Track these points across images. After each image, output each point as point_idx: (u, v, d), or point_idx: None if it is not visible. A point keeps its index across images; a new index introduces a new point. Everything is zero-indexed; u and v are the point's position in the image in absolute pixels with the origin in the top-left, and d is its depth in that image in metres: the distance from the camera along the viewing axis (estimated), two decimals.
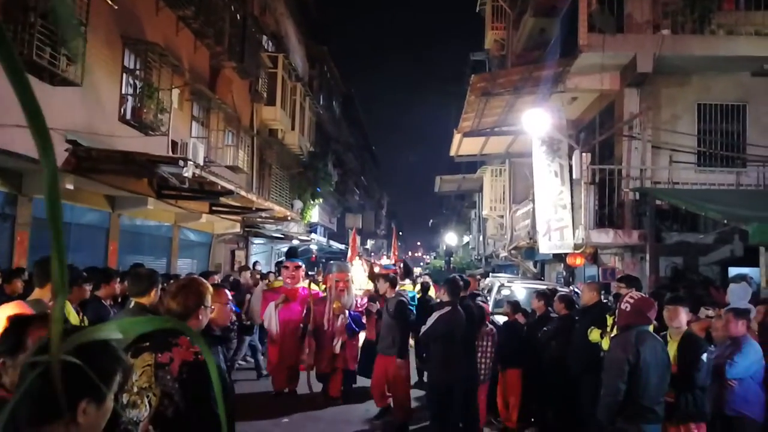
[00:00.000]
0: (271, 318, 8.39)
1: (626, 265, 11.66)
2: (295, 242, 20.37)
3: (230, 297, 3.81)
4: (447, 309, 6.20)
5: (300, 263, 9.11)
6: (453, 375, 6.18)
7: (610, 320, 6.02)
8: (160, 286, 4.34)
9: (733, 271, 10.63)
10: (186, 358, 2.90)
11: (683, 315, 4.76)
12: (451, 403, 6.20)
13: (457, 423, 6.35)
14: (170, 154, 10.73)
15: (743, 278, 10.10)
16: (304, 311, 8.51)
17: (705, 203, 8.89)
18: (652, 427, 4.18)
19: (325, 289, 9.20)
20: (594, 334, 5.96)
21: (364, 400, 8.50)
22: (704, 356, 4.56)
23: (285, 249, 22.42)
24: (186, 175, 9.02)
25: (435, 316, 6.27)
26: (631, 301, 4.33)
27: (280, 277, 11.98)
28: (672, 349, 4.69)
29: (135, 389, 2.87)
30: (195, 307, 3.04)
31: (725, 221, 8.15)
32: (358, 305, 8.96)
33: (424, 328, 6.48)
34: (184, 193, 11.17)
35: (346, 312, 8.40)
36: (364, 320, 8.91)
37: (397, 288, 8.29)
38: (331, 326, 8.34)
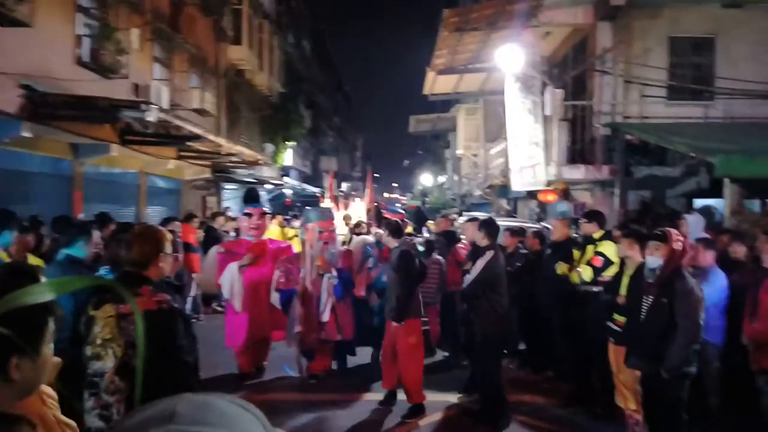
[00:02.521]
0: (234, 283, 6.31)
1: (596, 200, 11.82)
2: (269, 186, 20.09)
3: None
4: (490, 253, 5.56)
5: (265, 208, 7.15)
6: (507, 325, 5.73)
7: (577, 254, 6.13)
8: (92, 236, 4.41)
9: (698, 203, 10.84)
10: (149, 307, 2.86)
11: (636, 248, 4.95)
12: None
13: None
14: (132, 98, 10.39)
15: (708, 210, 10.32)
16: (276, 270, 6.58)
17: (673, 137, 8.95)
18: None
19: (300, 240, 7.18)
20: (561, 268, 6.06)
21: (365, 380, 6.64)
22: None
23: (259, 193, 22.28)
24: (150, 119, 8.77)
25: (480, 264, 5.58)
26: (682, 239, 4.36)
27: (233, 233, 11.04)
28: (626, 279, 4.96)
29: (98, 341, 2.83)
30: (154, 255, 3.00)
31: (693, 154, 8.23)
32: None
33: (469, 278, 5.62)
34: (149, 139, 10.90)
35: (333, 270, 6.48)
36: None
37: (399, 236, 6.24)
38: (315, 288, 6.40)
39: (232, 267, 6.35)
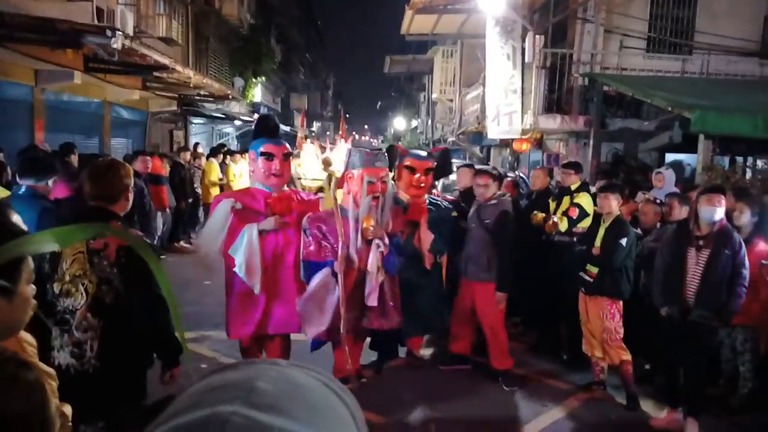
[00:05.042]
0: (253, 255, 4.24)
1: (570, 151, 11.86)
2: (238, 123, 19.64)
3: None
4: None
5: (287, 146, 4.66)
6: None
7: (552, 205, 6.15)
8: (56, 168, 4.25)
9: (669, 157, 10.97)
10: (122, 242, 2.78)
11: (614, 201, 5.03)
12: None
13: None
14: (96, 22, 9.85)
15: (679, 165, 10.44)
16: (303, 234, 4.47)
17: (652, 90, 8.93)
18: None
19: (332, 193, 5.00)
20: (537, 218, 6.08)
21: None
22: (624, 240, 4.84)
23: (227, 129, 21.67)
24: (115, 46, 8.38)
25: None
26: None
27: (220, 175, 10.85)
28: (601, 232, 5.03)
29: (67, 277, 2.76)
30: (123, 189, 2.95)
31: (670, 108, 8.24)
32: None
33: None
34: (113, 67, 10.45)
35: (384, 237, 4.51)
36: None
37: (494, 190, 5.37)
38: (362, 261, 4.50)
39: (251, 231, 4.22)
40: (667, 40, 11.53)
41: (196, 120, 17.89)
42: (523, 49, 11.31)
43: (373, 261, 4.42)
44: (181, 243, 10.78)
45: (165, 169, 10.19)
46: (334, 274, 4.29)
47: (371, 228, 4.37)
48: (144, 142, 14.05)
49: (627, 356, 4.82)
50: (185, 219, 11.21)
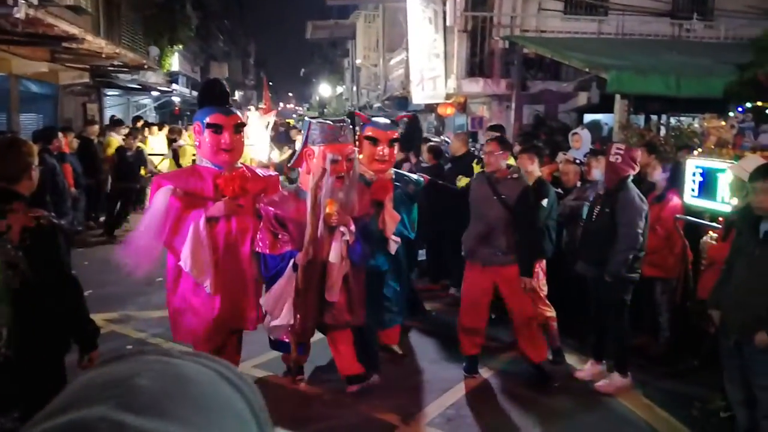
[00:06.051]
0: (199, 245, 3.63)
1: (493, 114, 12.05)
2: (155, 93, 18.86)
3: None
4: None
5: (239, 115, 4.13)
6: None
7: (477, 168, 6.22)
8: None
9: (588, 117, 11.34)
10: (27, 224, 2.65)
11: (535, 162, 5.17)
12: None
13: None
14: None
15: (597, 124, 10.81)
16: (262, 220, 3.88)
17: (569, 52, 9.14)
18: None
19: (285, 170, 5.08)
20: (462, 182, 6.15)
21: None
22: (545, 201, 4.96)
23: (145, 101, 20.75)
24: (18, 16, 7.80)
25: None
26: (621, 151, 4.41)
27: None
28: None
29: None
30: (26, 168, 2.78)
31: (587, 69, 8.47)
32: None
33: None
34: (17, 38, 9.74)
35: (350, 223, 3.92)
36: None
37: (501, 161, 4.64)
38: (324, 250, 3.89)
39: (198, 220, 3.60)
40: (584, 2, 11.82)
41: (111, 92, 17.02)
42: (445, 12, 11.30)
43: (336, 251, 3.80)
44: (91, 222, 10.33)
45: (71, 146, 9.58)
46: (295, 266, 3.75)
47: (334, 213, 3.72)
48: (55, 117, 13.25)
49: (551, 313, 4.98)
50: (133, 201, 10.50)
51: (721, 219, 4.58)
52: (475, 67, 11.56)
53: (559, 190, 5.63)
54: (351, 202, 3.90)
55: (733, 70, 7.30)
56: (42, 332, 2.67)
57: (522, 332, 4.58)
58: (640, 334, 5.20)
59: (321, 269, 3.85)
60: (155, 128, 12.31)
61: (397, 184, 4.53)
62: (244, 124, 3.98)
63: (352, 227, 3.85)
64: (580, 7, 11.85)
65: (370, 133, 4.47)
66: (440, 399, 4.36)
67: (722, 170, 4.58)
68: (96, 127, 11.16)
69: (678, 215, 4.98)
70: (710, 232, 4.73)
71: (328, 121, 3.88)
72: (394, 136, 4.56)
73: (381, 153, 4.42)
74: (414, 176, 4.97)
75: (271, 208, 3.75)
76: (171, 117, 20.27)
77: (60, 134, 8.75)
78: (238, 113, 4.02)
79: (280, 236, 3.76)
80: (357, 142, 4.51)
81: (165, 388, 0.46)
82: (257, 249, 3.81)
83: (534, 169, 5.13)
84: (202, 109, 3.83)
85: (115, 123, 11.66)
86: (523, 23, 11.60)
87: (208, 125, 3.70)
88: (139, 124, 13.26)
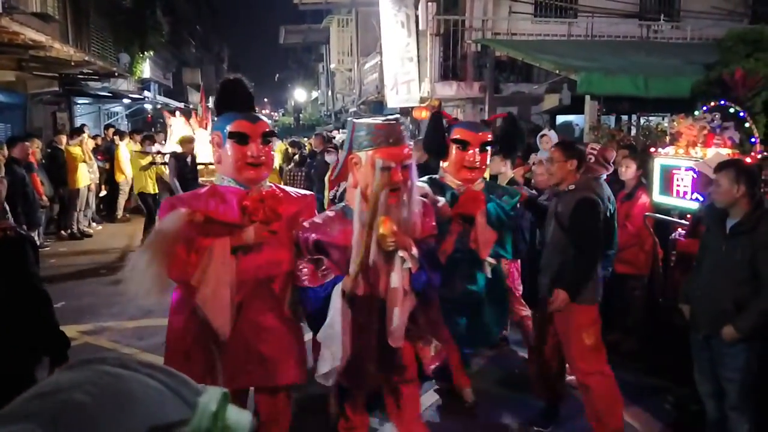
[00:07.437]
0: (221, 283, 2.78)
1: (467, 117, 12.13)
2: (127, 101, 18.67)
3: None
4: None
5: (267, 122, 3.13)
6: None
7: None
8: None
9: (560, 119, 11.49)
10: None
11: (508, 164, 5.20)
12: None
13: None
14: None
15: (569, 125, 10.94)
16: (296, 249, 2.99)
17: (540, 54, 9.25)
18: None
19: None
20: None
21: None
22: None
23: (116, 109, 20.45)
24: None
25: None
26: (594, 151, 4.24)
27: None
28: None
29: None
30: None
31: (558, 71, 8.57)
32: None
33: None
34: None
35: (411, 246, 2.84)
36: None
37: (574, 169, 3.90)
38: (380, 281, 2.87)
39: (222, 251, 2.80)
40: (554, 4, 11.98)
41: (81, 100, 16.78)
42: (417, 16, 11.37)
43: (397, 281, 2.81)
44: (73, 228, 10.17)
45: (35, 156, 9.39)
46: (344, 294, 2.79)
47: (390, 234, 2.75)
48: (24, 127, 13.03)
49: (526, 312, 5.03)
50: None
51: (688, 216, 4.67)
52: (449, 71, 11.64)
53: (533, 191, 5.70)
54: (411, 220, 2.92)
55: (700, 70, 7.47)
56: (11, 346, 2.64)
57: (584, 389, 3.81)
58: (613, 330, 5.27)
59: (379, 306, 2.87)
60: (126, 137, 12.16)
61: (491, 196, 3.88)
62: (273, 133, 3.15)
63: (415, 251, 2.84)
64: (550, 9, 12.02)
65: (458, 136, 3.83)
66: None
67: (688, 167, 4.68)
68: (64, 137, 10.99)
69: (647, 213, 5.07)
70: (679, 229, 4.82)
71: (377, 119, 2.99)
72: (487, 139, 3.88)
73: (471, 159, 3.77)
74: (509, 188, 4.34)
75: (312, 234, 2.89)
76: (144, 124, 20.04)
77: (28, 143, 8.60)
78: (266, 120, 3.19)
79: (322, 263, 2.90)
80: (445, 148, 3.90)
81: (101, 406, 0.44)
82: (298, 284, 2.92)
83: (506, 170, 5.18)
84: (221, 116, 3.02)
85: (74, 131, 11.32)
86: (494, 26, 11.72)
87: (231, 135, 2.89)
88: (110, 132, 13.12)
